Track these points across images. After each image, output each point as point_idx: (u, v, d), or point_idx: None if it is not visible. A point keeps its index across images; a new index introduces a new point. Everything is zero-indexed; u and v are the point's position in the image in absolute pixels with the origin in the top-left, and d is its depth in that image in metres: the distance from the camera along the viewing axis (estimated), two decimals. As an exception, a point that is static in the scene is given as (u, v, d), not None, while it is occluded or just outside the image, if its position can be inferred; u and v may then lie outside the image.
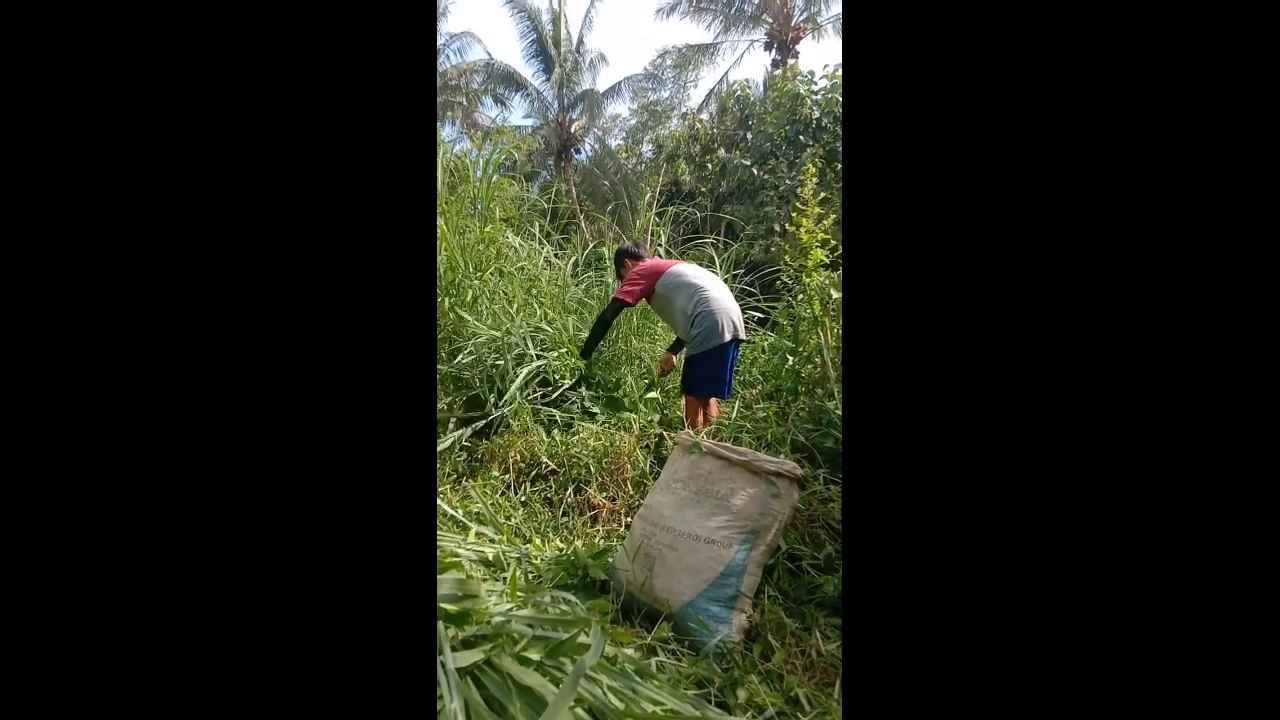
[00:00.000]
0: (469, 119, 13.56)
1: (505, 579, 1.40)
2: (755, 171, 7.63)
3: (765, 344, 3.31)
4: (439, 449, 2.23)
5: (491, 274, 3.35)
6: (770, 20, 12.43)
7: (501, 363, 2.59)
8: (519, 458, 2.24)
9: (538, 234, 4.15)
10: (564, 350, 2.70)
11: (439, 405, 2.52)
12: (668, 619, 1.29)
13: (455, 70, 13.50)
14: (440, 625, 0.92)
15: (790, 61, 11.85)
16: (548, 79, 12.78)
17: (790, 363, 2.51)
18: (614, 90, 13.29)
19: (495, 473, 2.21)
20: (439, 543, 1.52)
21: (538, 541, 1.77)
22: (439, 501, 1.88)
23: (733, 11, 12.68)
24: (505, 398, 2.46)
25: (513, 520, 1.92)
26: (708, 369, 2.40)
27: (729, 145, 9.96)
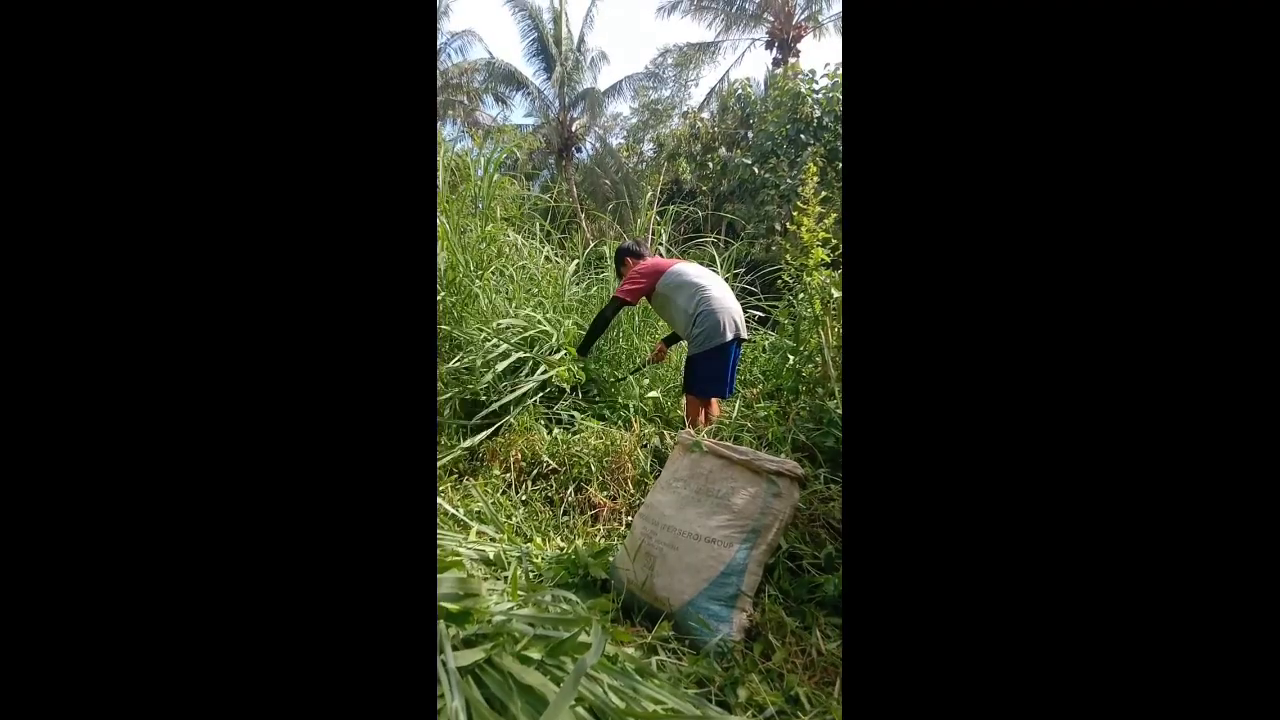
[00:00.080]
0: (470, 118, 13.55)
1: (506, 578, 1.40)
2: (756, 170, 7.62)
3: (766, 343, 3.31)
4: (448, 458, 2.23)
5: (492, 273, 3.35)
6: (771, 19, 12.41)
7: (501, 367, 2.58)
8: (520, 456, 2.24)
9: (538, 233, 4.15)
10: (564, 354, 2.70)
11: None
12: (668, 618, 1.29)
13: (456, 69, 13.49)
14: (441, 624, 0.92)
15: (791, 60, 11.84)
16: (549, 77, 12.78)
17: (791, 362, 2.51)
18: (615, 89, 13.28)
19: (496, 471, 2.21)
20: (440, 541, 1.53)
21: (538, 540, 1.77)
22: (440, 500, 1.88)
23: (734, 10, 12.66)
24: (507, 402, 2.46)
25: (514, 519, 1.92)
26: (709, 368, 2.40)
27: (730, 144, 9.94)
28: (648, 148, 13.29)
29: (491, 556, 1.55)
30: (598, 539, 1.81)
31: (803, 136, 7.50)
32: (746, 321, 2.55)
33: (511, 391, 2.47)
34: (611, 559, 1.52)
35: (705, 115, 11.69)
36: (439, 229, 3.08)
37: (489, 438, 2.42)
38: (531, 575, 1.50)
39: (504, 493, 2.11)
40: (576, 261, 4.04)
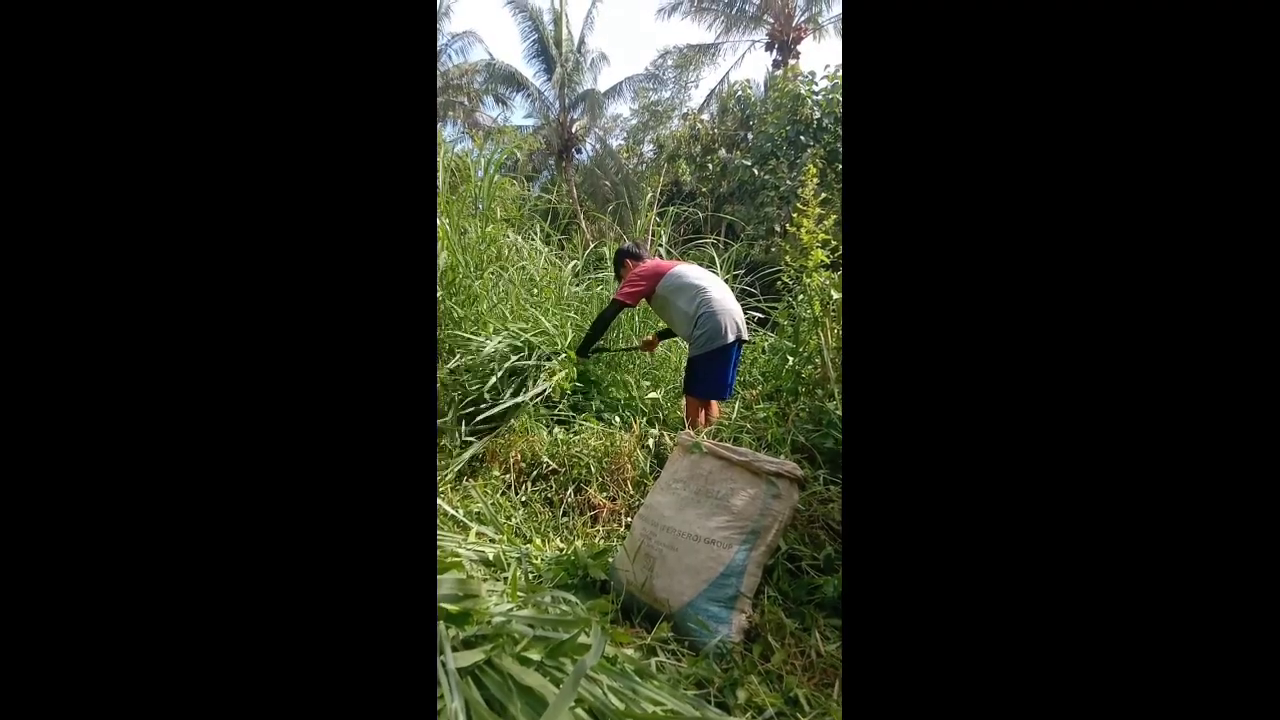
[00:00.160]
0: (470, 119, 13.57)
1: (506, 579, 1.40)
2: (756, 172, 7.63)
3: (765, 344, 3.31)
4: (453, 469, 2.23)
5: (491, 273, 3.35)
6: (771, 21, 12.42)
7: (501, 372, 2.58)
8: (519, 457, 2.24)
9: (538, 234, 4.15)
10: (564, 357, 2.70)
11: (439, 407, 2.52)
12: (668, 619, 1.29)
13: (457, 70, 13.51)
14: (441, 625, 0.93)
15: (791, 62, 11.85)
16: (549, 79, 12.79)
17: (790, 363, 2.51)
18: (615, 90, 13.30)
19: (496, 472, 2.21)
20: (440, 542, 1.53)
21: (538, 541, 1.77)
22: (440, 501, 1.88)
23: (734, 12, 12.67)
24: (508, 407, 2.46)
25: (513, 520, 1.92)
26: (710, 370, 2.40)
27: (730, 145, 9.96)
28: (648, 149, 13.31)
29: (491, 557, 1.55)
30: (597, 540, 1.81)
31: (802, 138, 7.51)
32: (746, 323, 2.56)
33: (513, 398, 2.47)
34: (611, 560, 1.52)
35: (705, 117, 11.71)
36: (439, 230, 3.08)
37: (488, 437, 2.43)
38: (531, 576, 1.51)
39: (503, 494, 2.11)
40: (575, 262, 4.04)
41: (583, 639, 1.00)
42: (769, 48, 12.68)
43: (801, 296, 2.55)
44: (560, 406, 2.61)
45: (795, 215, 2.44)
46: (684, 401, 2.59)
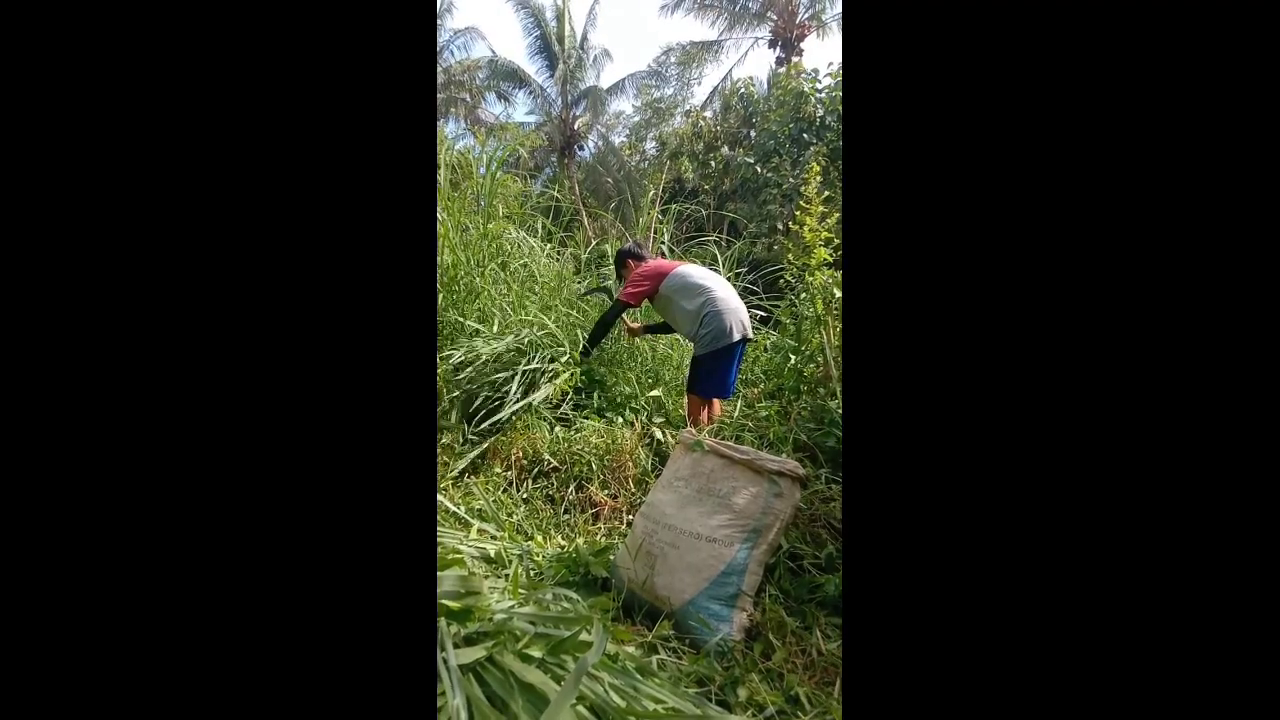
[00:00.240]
0: (472, 115, 13.55)
1: (507, 576, 1.40)
2: (759, 169, 7.61)
3: (768, 343, 3.31)
4: (458, 469, 2.23)
5: (492, 270, 3.35)
6: (775, 18, 12.38)
7: (503, 375, 2.58)
8: (521, 455, 2.24)
9: (540, 231, 4.15)
10: (567, 359, 2.70)
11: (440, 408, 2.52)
12: (669, 617, 1.30)
13: (459, 67, 13.49)
14: (442, 622, 0.93)
15: (794, 59, 11.82)
16: (551, 75, 12.77)
17: (793, 362, 2.51)
18: (618, 87, 13.27)
19: (497, 469, 2.21)
20: (441, 539, 1.53)
21: (539, 539, 1.78)
22: (441, 498, 1.89)
23: (737, 9, 12.63)
24: (516, 410, 2.46)
25: (514, 517, 1.92)
26: (715, 368, 2.40)
27: (732, 143, 9.94)
28: (650, 146, 13.27)
29: (492, 554, 1.55)
30: (598, 537, 1.82)
31: (805, 136, 7.49)
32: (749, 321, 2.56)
33: (516, 401, 2.47)
34: (612, 558, 1.52)
35: (708, 114, 11.67)
36: (440, 227, 3.08)
37: (491, 436, 2.43)
38: (532, 573, 1.51)
39: (505, 491, 2.11)
40: (575, 254, 4.03)
41: (584, 636, 1.00)
42: (772, 45, 12.64)
43: (804, 295, 2.54)
44: (563, 407, 2.61)
45: (798, 213, 2.44)
46: (685, 399, 2.59)
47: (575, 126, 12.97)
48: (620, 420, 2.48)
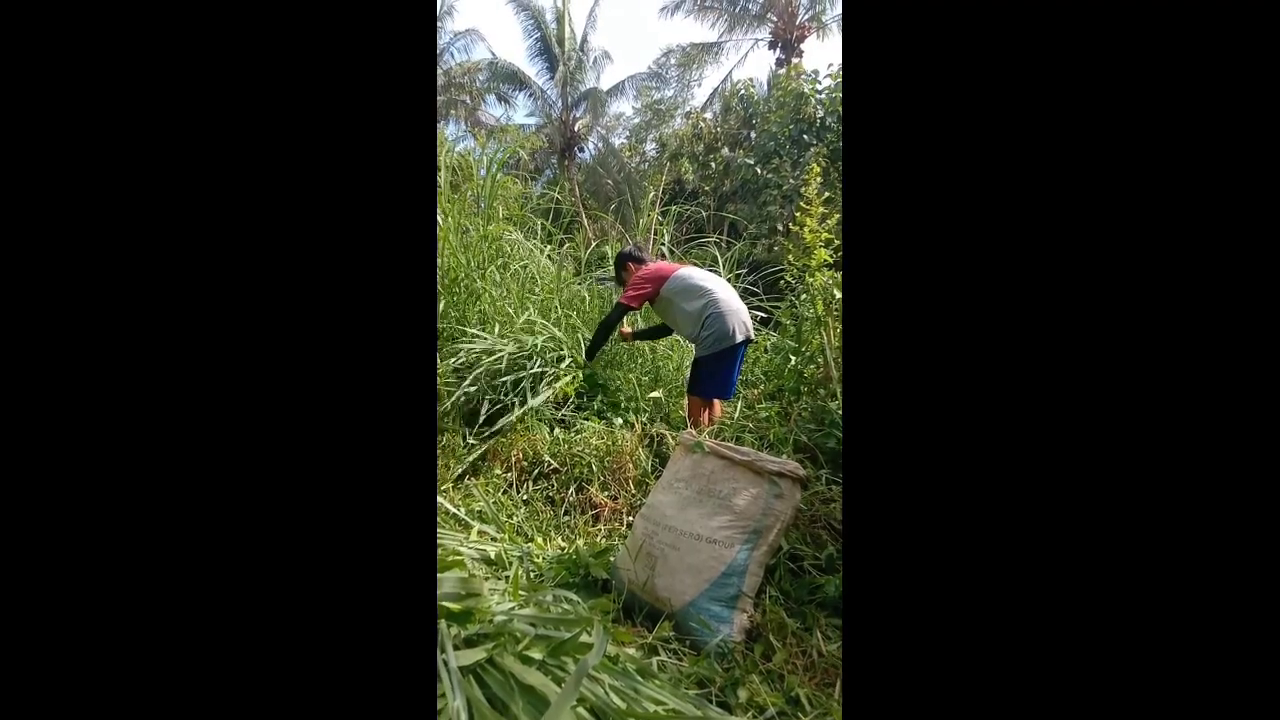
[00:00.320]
0: (473, 117, 13.57)
1: (507, 578, 1.40)
2: (759, 171, 7.62)
3: (768, 344, 3.31)
4: (458, 471, 2.23)
5: (493, 272, 3.35)
6: (775, 19, 12.40)
7: (506, 379, 2.58)
8: (521, 456, 2.25)
9: (539, 233, 4.15)
10: (569, 362, 2.70)
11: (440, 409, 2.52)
12: (669, 618, 1.30)
13: (459, 68, 13.51)
14: (443, 624, 0.93)
15: (794, 60, 11.82)
16: (551, 77, 12.79)
17: (793, 363, 2.51)
18: (618, 89, 13.28)
19: (497, 471, 2.21)
20: (441, 541, 1.53)
21: (540, 540, 1.78)
22: (441, 500, 1.89)
23: (737, 10, 12.65)
24: (522, 414, 2.46)
25: (515, 519, 1.92)
26: (716, 370, 2.41)
27: (733, 144, 9.94)
28: (650, 148, 13.28)
29: (493, 556, 1.55)
30: (599, 539, 1.82)
31: (805, 137, 7.49)
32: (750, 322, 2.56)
33: (521, 405, 2.48)
34: (612, 559, 1.52)
35: (708, 115, 11.68)
36: (440, 229, 3.09)
37: (492, 439, 2.43)
38: (533, 575, 1.51)
39: (505, 492, 2.11)
40: (575, 256, 4.03)
41: (584, 638, 1.00)
42: (772, 46, 12.65)
43: (804, 296, 2.55)
44: (564, 410, 2.61)
45: (798, 214, 2.44)
46: (686, 400, 2.59)
47: (575, 128, 12.98)
48: (620, 422, 2.48)
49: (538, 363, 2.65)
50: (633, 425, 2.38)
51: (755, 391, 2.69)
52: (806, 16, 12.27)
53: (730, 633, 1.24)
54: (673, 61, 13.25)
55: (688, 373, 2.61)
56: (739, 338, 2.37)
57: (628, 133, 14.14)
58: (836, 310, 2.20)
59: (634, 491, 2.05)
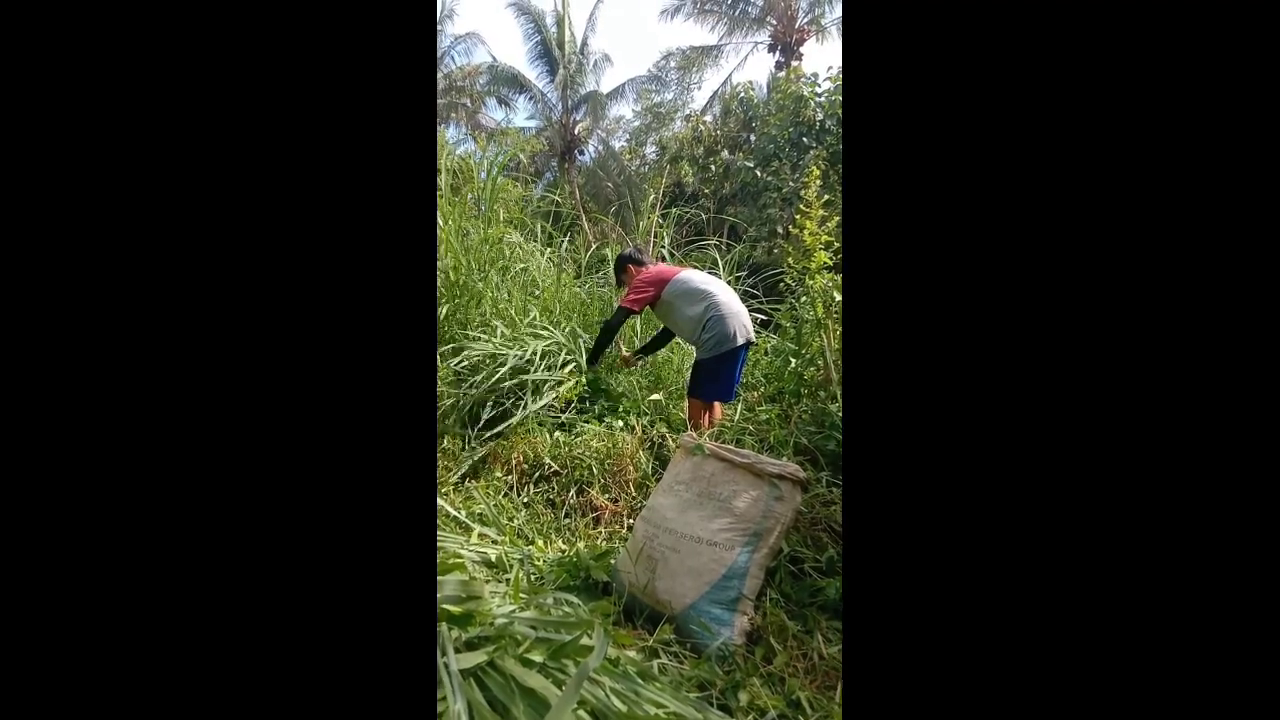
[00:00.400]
0: (473, 121, 13.60)
1: (508, 580, 1.40)
2: (759, 173, 7.63)
3: (768, 346, 3.31)
4: (458, 473, 2.23)
5: (493, 274, 3.36)
6: (774, 22, 12.43)
7: (508, 382, 2.58)
8: (522, 459, 2.25)
9: (539, 235, 4.16)
10: (573, 366, 2.70)
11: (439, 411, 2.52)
12: (670, 621, 1.29)
13: (460, 72, 13.55)
14: (444, 627, 0.93)
15: (794, 63, 11.85)
16: (552, 80, 12.81)
17: (793, 365, 2.51)
18: (618, 92, 13.31)
19: (498, 474, 2.21)
20: (442, 544, 1.53)
21: (540, 543, 1.77)
22: (442, 502, 1.89)
23: (737, 14, 12.68)
24: (524, 418, 2.46)
25: (515, 522, 1.92)
26: (717, 373, 2.41)
27: (732, 147, 9.96)
28: (650, 150, 13.30)
29: (493, 559, 1.55)
30: (599, 542, 1.81)
31: (805, 139, 7.51)
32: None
33: (523, 409, 2.48)
34: (613, 562, 1.52)
35: (708, 118, 11.70)
36: (441, 231, 3.09)
37: (493, 441, 2.43)
38: (533, 578, 1.51)
39: (505, 495, 2.11)
40: (575, 258, 4.04)
41: (585, 641, 1.00)
42: (772, 49, 12.68)
43: (804, 298, 2.55)
44: (566, 414, 2.61)
45: (798, 217, 2.45)
46: (686, 403, 2.59)
47: (575, 131, 13.00)
48: (621, 425, 2.48)
49: (541, 367, 2.65)
50: (633, 428, 2.38)
51: (755, 394, 2.69)
52: (806, 20, 12.29)
53: (731, 635, 1.24)
54: (672, 64, 13.27)
55: (688, 375, 2.61)
56: (739, 340, 2.37)
57: (628, 136, 14.17)
58: (836, 313, 2.20)
59: (634, 494, 2.05)
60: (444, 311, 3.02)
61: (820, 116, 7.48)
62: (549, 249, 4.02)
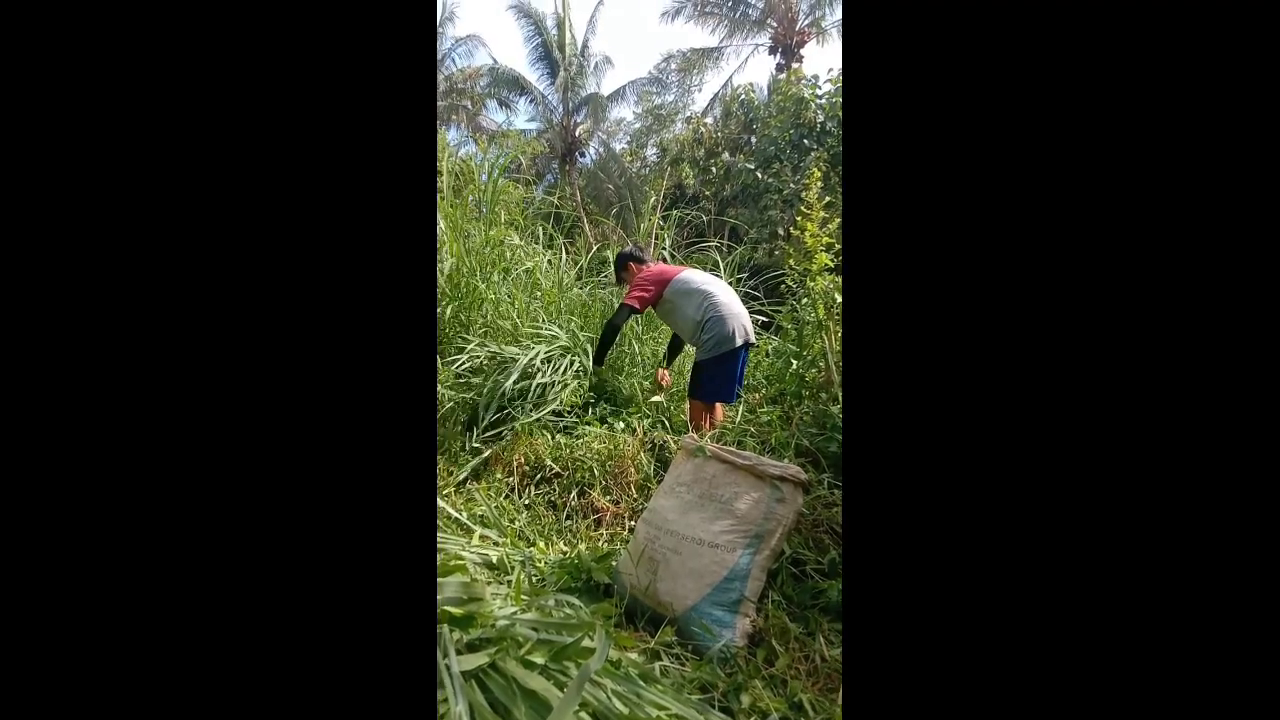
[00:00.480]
0: (474, 123, 13.62)
1: (510, 582, 1.40)
2: (759, 175, 7.63)
3: (769, 348, 3.31)
4: (460, 475, 2.23)
5: (495, 276, 3.36)
6: (775, 24, 12.44)
7: (510, 385, 2.58)
8: (523, 461, 2.25)
9: (541, 237, 4.17)
10: (577, 368, 2.70)
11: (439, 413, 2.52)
12: (671, 623, 1.29)
13: (460, 74, 13.57)
14: (445, 628, 0.93)
15: (794, 65, 11.86)
16: (552, 83, 12.83)
17: (794, 367, 2.51)
18: (618, 94, 13.32)
19: (499, 475, 2.21)
20: (443, 545, 1.53)
21: (542, 545, 1.77)
22: (443, 504, 1.89)
23: (737, 15, 12.70)
24: (529, 423, 2.45)
25: (516, 524, 1.92)
26: (717, 374, 2.40)
27: (733, 149, 9.97)
28: (651, 152, 13.31)
29: (495, 561, 1.55)
30: (601, 544, 1.81)
31: (806, 141, 7.51)
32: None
33: (522, 413, 2.47)
34: (614, 564, 1.52)
35: (709, 120, 11.71)
36: (443, 233, 3.10)
37: (494, 442, 2.43)
38: (535, 580, 1.50)
39: (507, 497, 2.11)
40: (575, 259, 4.04)
41: (587, 643, 1.00)
42: (772, 51, 12.69)
43: (805, 300, 2.55)
44: (567, 416, 2.61)
45: (799, 218, 2.45)
46: (688, 405, 2.59)
47: (576, 133, 13.01)
48: (622, 426, 2.48)
49: (547, 371, 2.64)
50: (634, 430, 2.38)
51: (757, 396, 2.69)
52: (806, 22, 12.31)
53: (733, 637, 1.23)
54: (673, 66, 13.29)
55: (688, 377, 2.61)
56: (739, 341, 2.37)
57: (628, 138, 14.18)
58: (837, 314, 2.20)
59: (636, 496, 2.05)
60: (446, 313, 3.03)
61: (821, 118, 7.48)
62: (549, 251, 4.03)
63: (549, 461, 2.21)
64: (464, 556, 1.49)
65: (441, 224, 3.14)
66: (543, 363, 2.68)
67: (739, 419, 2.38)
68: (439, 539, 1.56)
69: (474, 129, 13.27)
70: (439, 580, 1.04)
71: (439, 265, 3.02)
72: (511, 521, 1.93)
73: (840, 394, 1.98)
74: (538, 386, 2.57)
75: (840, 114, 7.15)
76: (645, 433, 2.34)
